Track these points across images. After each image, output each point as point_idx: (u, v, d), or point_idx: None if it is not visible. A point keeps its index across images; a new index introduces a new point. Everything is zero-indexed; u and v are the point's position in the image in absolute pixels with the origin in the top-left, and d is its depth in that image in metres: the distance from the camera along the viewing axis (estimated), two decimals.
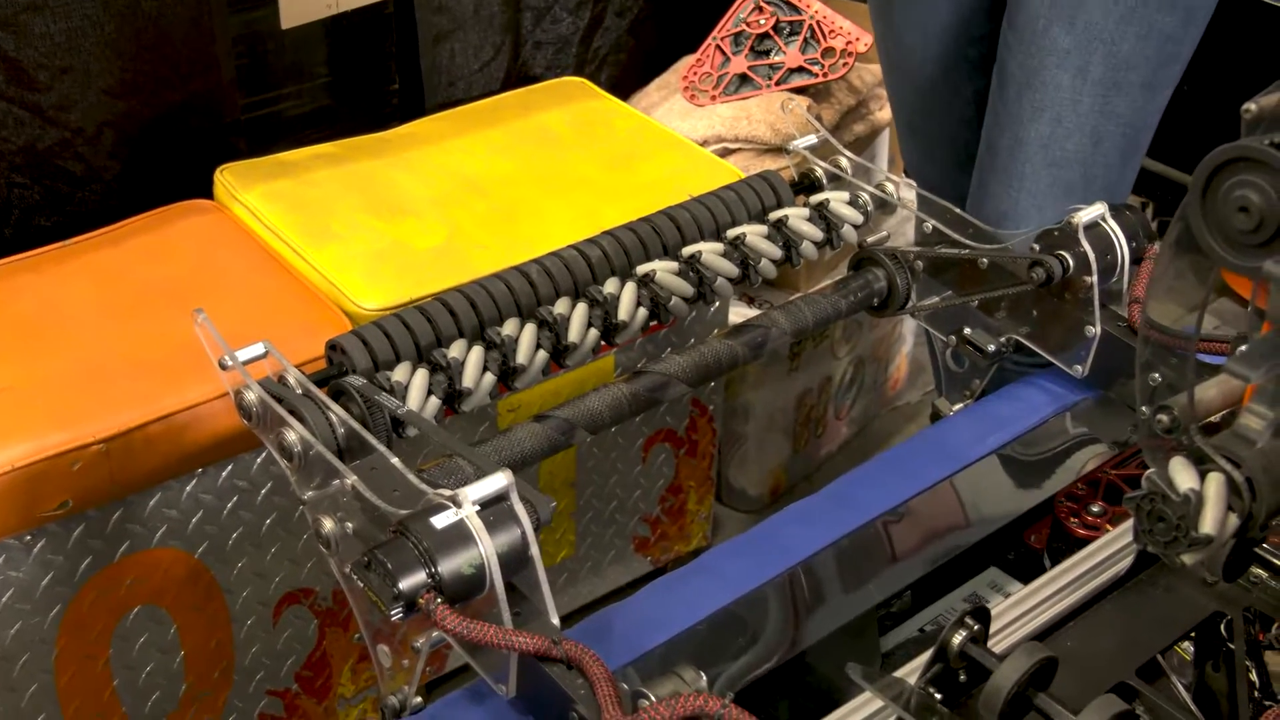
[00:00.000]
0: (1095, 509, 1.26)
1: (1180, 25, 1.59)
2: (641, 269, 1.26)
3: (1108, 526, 1.23)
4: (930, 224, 1.38)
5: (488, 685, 0.99)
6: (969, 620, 0.95)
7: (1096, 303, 1.29)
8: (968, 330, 1.38)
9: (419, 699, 1.03)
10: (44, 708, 1.56)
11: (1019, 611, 1.08)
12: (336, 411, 1.05)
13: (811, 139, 1.43)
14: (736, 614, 1.12)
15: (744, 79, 2.32)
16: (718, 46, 2.36)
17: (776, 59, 2.31)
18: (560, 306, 1.21)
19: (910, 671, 1.00)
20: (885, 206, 1.39)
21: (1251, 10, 2.81)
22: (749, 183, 1.36)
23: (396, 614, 0.91)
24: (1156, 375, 1.12)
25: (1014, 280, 1.32)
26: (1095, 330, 1.30)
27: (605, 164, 2.02)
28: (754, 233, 1.31)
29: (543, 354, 1.19)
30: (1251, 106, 0.81)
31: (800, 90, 2.29)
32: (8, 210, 1.89)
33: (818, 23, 2.30)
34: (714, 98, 2.31)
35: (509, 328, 1.19)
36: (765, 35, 2.33)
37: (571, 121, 2.12)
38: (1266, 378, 0.86)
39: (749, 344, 1.29)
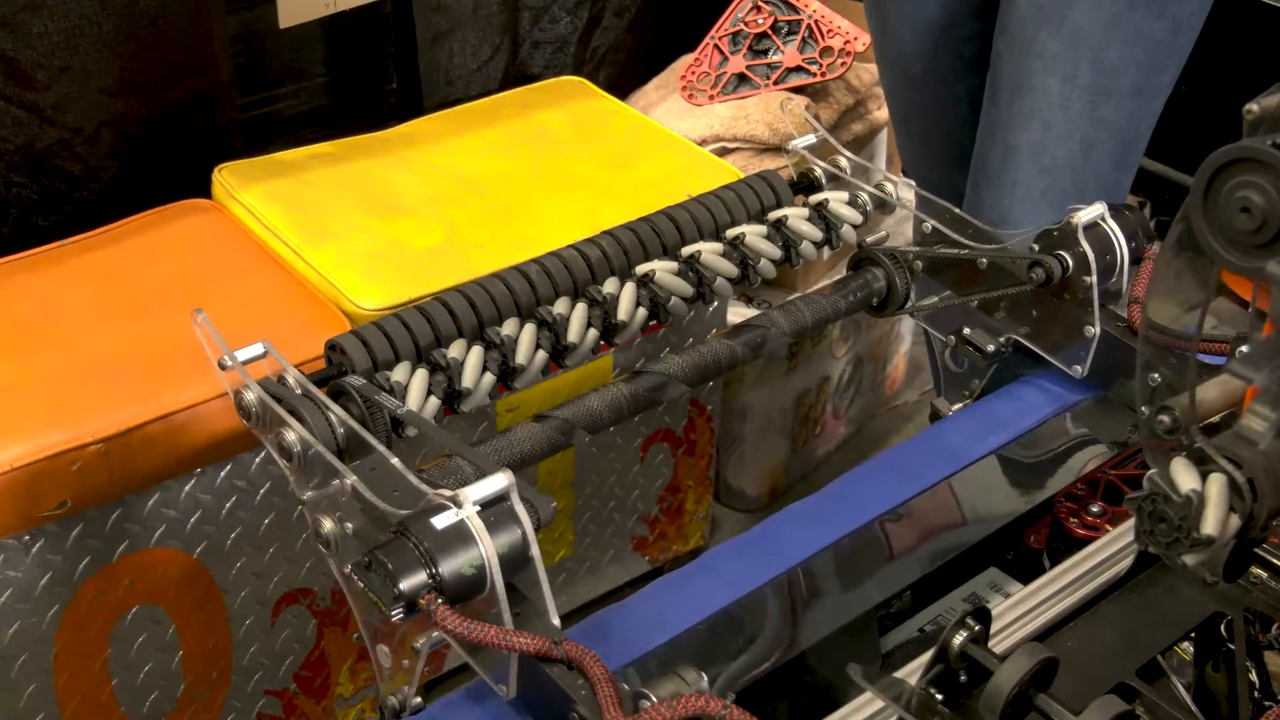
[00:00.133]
0: (1095, 509, 1.26)
1: (1169, 32, 1.58)
2: (641, 269, 1.26)
3: (1107, 527, 1.23)
4: (929, 224, 1.38)
5: (488, 686, 0.98)
6: (970, 621, 0.95)
7: (1096, 303, 1.29)
8: (967, 330, 1.38)
9: (418, 699, 1.03)
10: (42, 707, 1.55)
11: (1019, 612, 1.08)
12: (336, 411, 1.04)
13: (810, 139, 1.42)
14: (736, 614, 1.12)
15: (742, 78, 2.32)
16: (716, 46, 2.36)
17: (775, 58, 2.31)
18: (560, 306, 1.21)
19: (911, 672, 1.00)
20: (884, 206, 1.39)
21: (1249, 10, 2.81)
22: (748, 182, 1.36)
23: (397, 615, 0.91)
24: (1156, 375, 1.12)
25: (1013, 280, 1.32)
26: (1095, 330, 1.30)
27: (603, 163, 2.02)
28: (753, 233, 1.31)
29: (542, 354, 1.19)
30: (1253, 107, 0.81)
31: (798, 90, 2.29)
32: (6, 210, 1.89)
33: (816, 22, 2.30)
34: (712, 97, 2.31)
35: (508, 328, 1.19)
36: (763, 35, 2.33)
37: (570, 121, 2.12)
38: (1269, 379, 0.86)
39: (748, 344, 1.29)
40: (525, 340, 1.18)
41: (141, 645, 1.61)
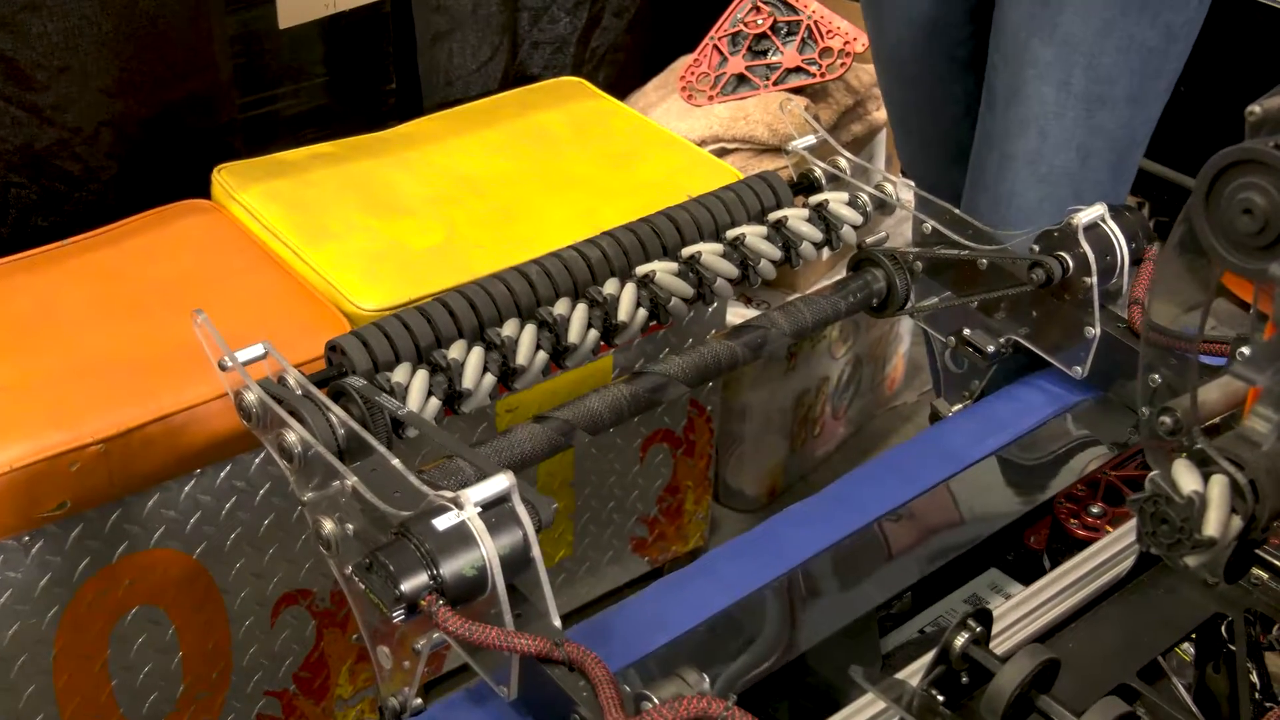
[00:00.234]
0: (1095, 510, 1.26)
1: (1162, 39, 1.58)
2: (641, 270, 1.26)
3: (1107, 528, 1.23)
4: (929, 224, 1.38)
5: (488, 687, 0.98)
6: (971, 622, 0.95)
7: (1096, 304, 1.29)
8: (967, 331, 1.38)
9: (419, 700, 1.03)
10: (42, 708, 1.55)
11: (1020, 613, 1.08)
12: (337, 412, 1.04)
13: (810, 139, 1.42)
14: (737, 616, 1.12)
15: (741, 79, 2.32)
16: (715, 46, 2.36)
17: (774, 59, 2.31)
18: (560, 307, 1.21)
19: (912, 673, 1.00)
20: (884, 207, 1.39)
21: (1246, 10, 2.81)
22: (748, 183, 1.36)
23: (398, 616, 0.91)
24: (1156, 376, 1.12)
25: (1013, 281, 1.32)
26: (1095, 331, 1.30)
27: (603, 164, 2.02)
28: (753, 233, 1.31)
29: (542, 355, 1.19)
30: (1256, 109, 0.81)
31: (798, 90, 2.29)
32: (5, 210, 1.89)
33: (815, 23, 2.30)
34: (711, 98, 2.31)
35: (509, 328, 1.19)
36: (763, 35, 2.33)
37: (569, 121, 2.12)
38: (1272, 380, 0.86)
39: (748, 345, 1.29)
40: (526, 341, 1.18)
41: (141, 646, 1.61)
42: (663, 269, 1.26)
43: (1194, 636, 1.14)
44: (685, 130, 2.22)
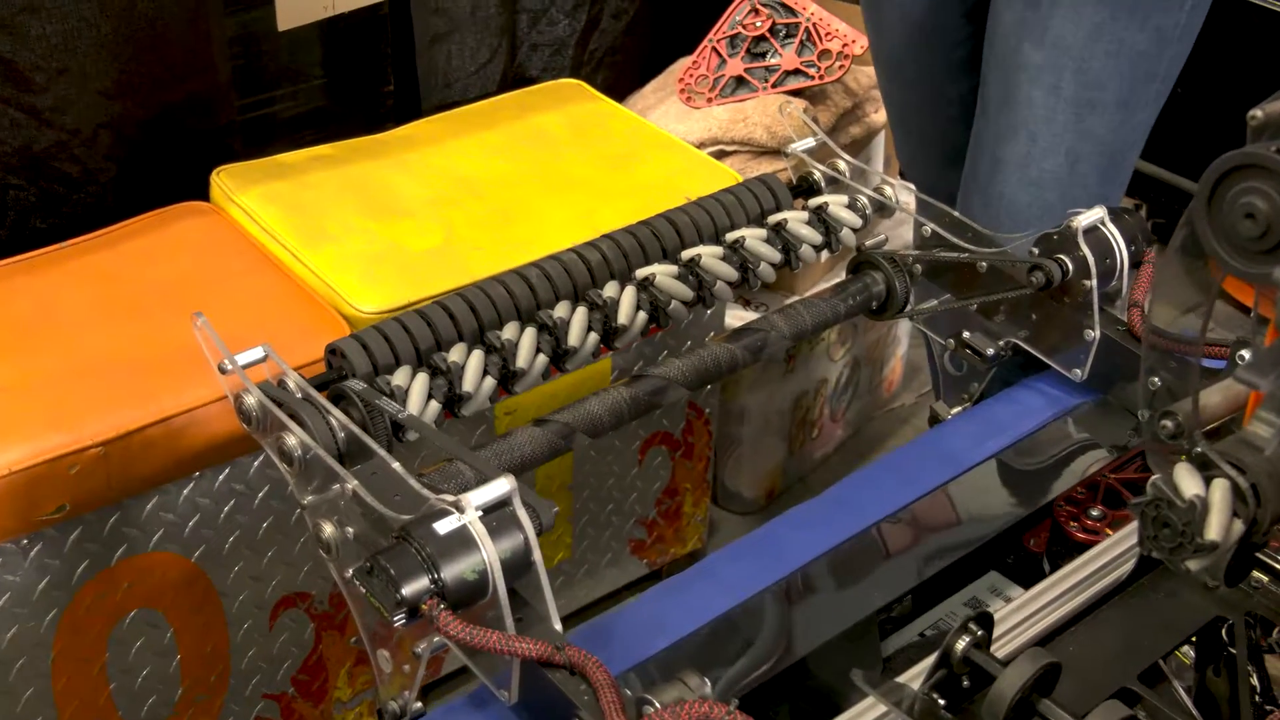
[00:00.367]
0: (1095, 513, 1.26)
1: (1153, 44, 1.57)
2: (641, 272, 1.26)
3: (1107, 530, 1.23)
4: (928, 227, 1.38)
5: (489, 691, 0.98)
6: (972, 626, 0.95)
7: (1096, 307, 1.29)
8: (966, 334, 1.38)
9: (419, 704, 1.03)
10: (40, 711, 1.55)
11: (1021, 616, 1.08)
12: (337, 416, 1.04)
13: (809, 142, 1.42)
14: (738, 619, 1.12)
15: (740, 81, 2.32)
16: (714, 49, 2.36)
17: (773, 61, 2.31)
18: (560, 310, 1.21)
19: (913, 677, 1.00)
20: (883, 210, 1.39)
21: (1242, 12, 2.82)
22: (748, 186, 1.36)
23: (399, 620, 0.91)
24: (1156, 379, 1.12)
25: (1012, 284, 1.32)
26: (1094, 334, 1.30)
27: (602, 166, 2.02)
28: (753, 236, 1.31)
29: (542, 358, 1.19)
30: (1257, 114, 0.81)
31: (796, 93, 2.29)
32: (4, 212, 1.88)
33: (814, 25, 2.30)
34: (710, 100, 2.31)
35: (509, 331, 1.19)
36: (761, 38, 2.33)
37: (568, 123, 2.12)
38: (1275, 385, 0.86)
39: (748, 348, 1.29)
40: (526, 344, 1.18)
41: (139, 649, 1.61)
42: (663, 272, 1.25)
43: (1194, 640, 1.14)
44: (684, 132, 2.22)
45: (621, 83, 2.54)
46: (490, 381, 1.16)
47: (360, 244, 1.80)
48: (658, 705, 0.88)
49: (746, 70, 2.32)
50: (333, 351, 1.14)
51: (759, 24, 2.33)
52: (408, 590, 0.90)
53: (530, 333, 1.19)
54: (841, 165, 1.39)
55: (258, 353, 1.09)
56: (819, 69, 2.28)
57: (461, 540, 0.92)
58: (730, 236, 1.31)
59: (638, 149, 2.07)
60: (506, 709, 0.97)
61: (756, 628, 1.13)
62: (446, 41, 2.30)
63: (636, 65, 2.57)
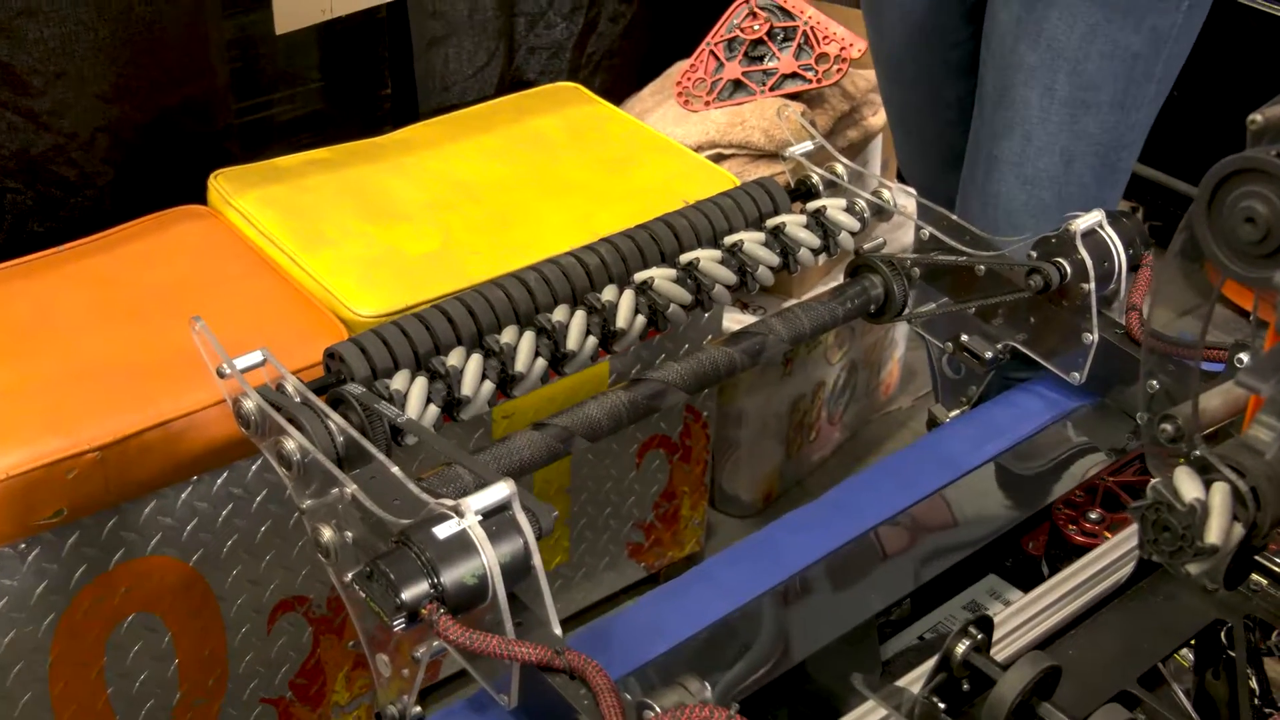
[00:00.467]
0: (1093, 516, 1.26)
1: (1149, 45, 1.57)
2: (639, 276, 1.26)
3: (1106, 534, 1.23)
4: (927, 230, 1.38)
5: (488, 695, 0.98)
6: (972, 629, 0.95)
7: (1094, 310, 1.29)
8: (964, 337, 1.38)
9: (418, 708, 1.02)
10: (38, 716, 1.55)
11: (1021, 620, 1.08)
12: (336, 420, 1.04)
13: (807, 145, 1.42)
14: (737, 623, 1.12)
15: (738, 85, 2.32)
16: (711, 52, 2.36)
17: (770, 65, 2.31)
18: (559, 314, 1.21)
19: (912, 680, 1.00)
20: (881, 213, 1.39)
21: (1238, 15, 2.82)
22: (746, 189, 1.36)
23: (399, 625, 0.91)
24: (1154, 383, 1.12)
25: (1011, 287, 1.32)
26: (1093, 337, 1.30)
27: (599, 169, 2.02)
28: (751, 240, 1.31)
29: (541, 362, 1.19)
30: (1257, 118, 0.81)
31: (794, 96, 2.29)
32: (1, 216, 1.88)
33: (811, 28, 2.30)
34: (708, 103, 2.31)
35: (507, 335, 1.19)
36: (759, 41, 2.33)
37: (565, 127, 2.12)
38: (1276, 389, 0.86)
39: (747, 351, 1.29)
40: (524, 348, 1.18)
41: (137, 653, 1.60)
42: (661, 276, 1.26)
43: (1193, 643, 1.14)
44: (681, 136, 2.22)
45: (619, 86, 2.54)
46: (489, 385, 1.16)
47: (358, 248, 1.79)
48: (658, 710, 0.88)
49: (744, 74, 2.32)
50: (331, 356, 1.14)
51: (757, 27, 2.33)
52: (407, 595, 0.90)
53: (529, 336, 1.19)
54: (839, 169, 1.40)
55: (256, 357, 1.09)
56: (816, 72, 2.28)
57: (461, 544, 0.92)
58: (728, 240, 1.31)
59: (635, 152, 2.07)
60: (506, 713, 0.97)
61: (755, 632, 1.13)
62: (444, 45, 2.30)
63: (634, 68, 2.57)
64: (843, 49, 2.27)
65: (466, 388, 1.14)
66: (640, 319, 1.24)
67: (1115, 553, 1.15)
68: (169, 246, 1.79)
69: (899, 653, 1.23)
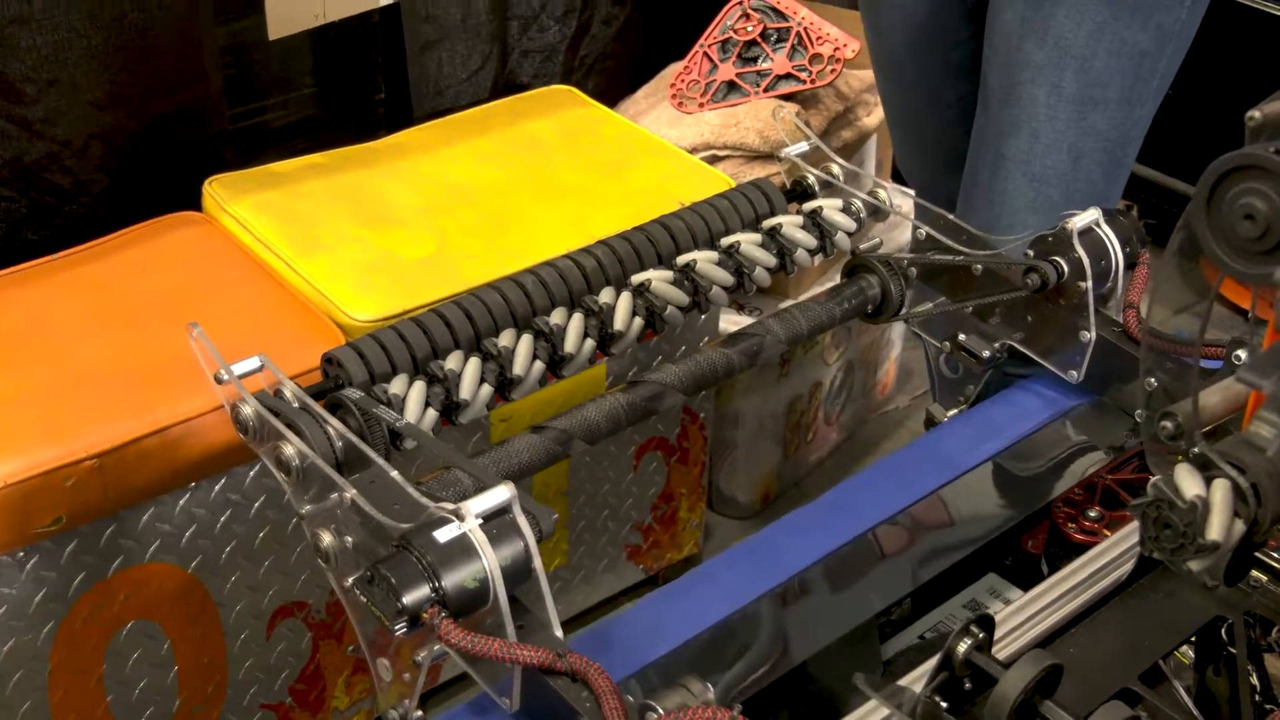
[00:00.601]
0: (1092, 514, 1.26)
1: (1154, 42, 1.58)
2: (636, 278, 1.25)
3: (1105, 532, 1.23)
4: (923, 230, 1.38)
5: (490, 698, 0.98)
6: (973, 628, 0.95)
7: (1092, 308, 1.29)
8: (962, 336, 1.38)
9: (419, 713, 1.02)
10: None
11: (1022, 618, 1.08)
12: (334, 425, 1.04)
13: (803, 146, 1.42)
14: (737, 625, 1.12)
15: (732, 86, 2.32)
16: (705, 54, 2.36)
17: (764, 66, 2.31)
18: (556, 317, 1.21)
19: (914, 679, 1.00)
20: (877, 213, 1.39)
21: (1231, 13, 2.82)
22: (742, 191, 1.36)
23: (400, 629, 0.91)
24: (1153, 380, 1.13)
25: (1008, 286, 1.32)
26: (1090, 335, 1.30)
27: (594, 172, 2.02)
28: (748, 241, 1.31)
29: (539, 365, 1.19)
30: (1255, 114, 0.81)
31: (788, 97, 2.29)
32: None
33: (805, 29, 2.30)
34: (702, 105, 2.31)
35: (505, 339, 1.18)
36: (753, 42, 2.33)
37: (560, 130, 2.12)
38: (1277, 386, 0.86)
39: (744, 352, 1.29)
40: (522, 351, 1.18)
41: (137, 661, 1.60)
42: (658, 278, 1.25)
43: (1194, 640, 1.14)
44: (676, 138, 2.22)
45: (613, 89, 2.54)
46: (487, 389, 1.16)
47: (354, 253, 1.79)
48: (661, 711, 0.88)
49: (738, 75, 2.32)
50: (329, 360, 1.13)
51: (750, 29, 2.33)
52: (409, 599, 0.90)
53: (527, 339, 1.19)
54: (835, 169, 1.40)
55: (254, 362, 1.09)
56: (810, 73, 2.28)
57: (462, 548, 0.92)
58: (725, 241, 1.31)
59: (630, 155, 2.07)
60: (508, 716, 0.97)
61: (756, 633, 1.13)
62: (437, 49, 2.30)
63: (627, 71, 2.57)
64: (836, 49, 2.27)
65: (465, 391, 1.14)
66: (638, 321, 1.24)
67: (1115, 550, 1.15)
68: (164, 253, 1.79)
69: (900, 652, 1.23)
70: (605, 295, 1.24)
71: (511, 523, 0.94)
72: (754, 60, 2.33)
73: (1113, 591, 1.13)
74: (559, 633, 0.95)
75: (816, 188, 1.39)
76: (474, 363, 1.16)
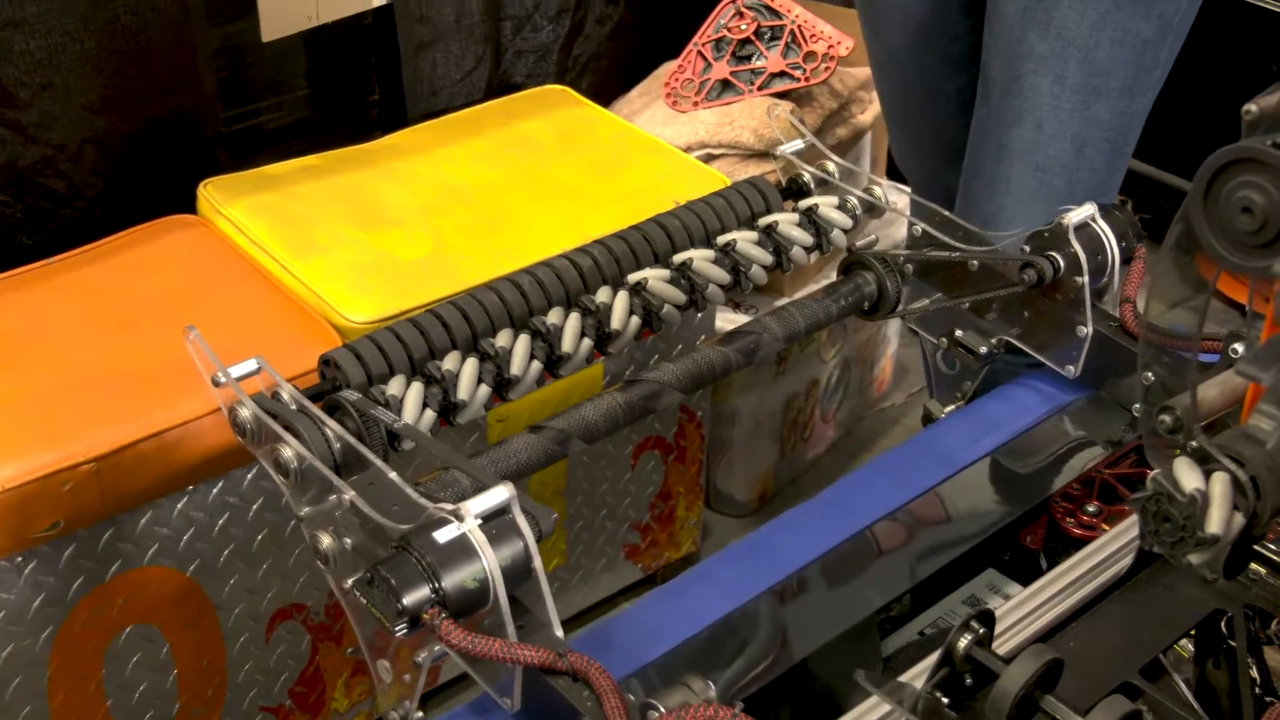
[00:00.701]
0: (1091, 509, 1.26)
1: (1156, 31, 1.59)
2: (633, 277, 1.25)
3: (1104, 526, 1.23)
4: (920, 227, 1.38)
5: (491, 698, 0.98)
6: (974, 624, 0.95)
7: (1088, 303, 1.29)
8: (959, 332, 1.38)
9: (420, 714, 1.02)
10: None
11: (1021, 613, 1.08)
12: (332, 426, 1.04)
13: (798, 144, 1.43)
14: (737, 622, 1.12)
15: (726, 84, 2.32)
16: (699, 52, 2.36)
17: (758, 64, 2.31)
18: (553, 317, 1.21)
19: (915, 676, 1.00)
20: (873, 210, 1.39)
21: (1221, 7, 2.82)
22: (738, 189, 1.36)
23: (401, 630, 0.91)
24: (1150, 374, 1.13)
25: (1004, 282, 1.33)
26: (1087, 330, 1.30)
27: (589, 171, 2.02)
28: (744, 239, 1.31)
29: (536, 365, 1.19)
30: (1252, 108, 0.81)
31: (782, 95, 2.29)
32: None
33: (799, 27, 2.30)
34: (696, 104, 2.31)
35: (502, 339, 1.18)
36: (746, 40, 2.33)
37: (554, 130, 2.12)
38: (1276, 378, 0.86)
39: (741, 350, 1.29)
40: (520, 351, 1.18)
41: (136, 665, 1.60)
42: (655, 276, 1.25)
43: (1194, 633, 1.14)
44: (671, 137, 2.22)
45: (607, 88, 2.54)
46: (485, 389, 1.16)
47: (349, 254, 1.79)
48: (662, 710, 0.88)
49: (732, 73, 2.32)
50: (326, 362, 1.13)
51: (744, 27, 2.33)
52: (409, 600, 0.90)
53: (524, 339, 1.19)
54: (830, 166, 1.40)
55: (251, 365, 1.08)
56: (805, 71, 2.28)
57: (462, 549, 0.92)
58: (721, 240, 1.31)
59: (625, 154, 2.07)
60: (509, 716, 0.97)
61: (756, 630, 1.13)
62: (431, 50, 2.30)
63: (621, 70, 2.57)
64: (830, 47, 2.28)
65: (463, 392, 1.14)
66: (635, 320, 1.24)
67: (1114, 545, 1.15)
68: (160, 256, 1.79)
69: (900, 649, 1.23)
70: (602, 294, 1.24)
71: (511, 523, 0.94)
72: (748, 58, 2.33)
73: (1112, 586, 1.13)
74: (559, 632, 0.95)
75: (812, 185, 1.40)
76: (471, 363, 1.16)
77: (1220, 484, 0.86)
